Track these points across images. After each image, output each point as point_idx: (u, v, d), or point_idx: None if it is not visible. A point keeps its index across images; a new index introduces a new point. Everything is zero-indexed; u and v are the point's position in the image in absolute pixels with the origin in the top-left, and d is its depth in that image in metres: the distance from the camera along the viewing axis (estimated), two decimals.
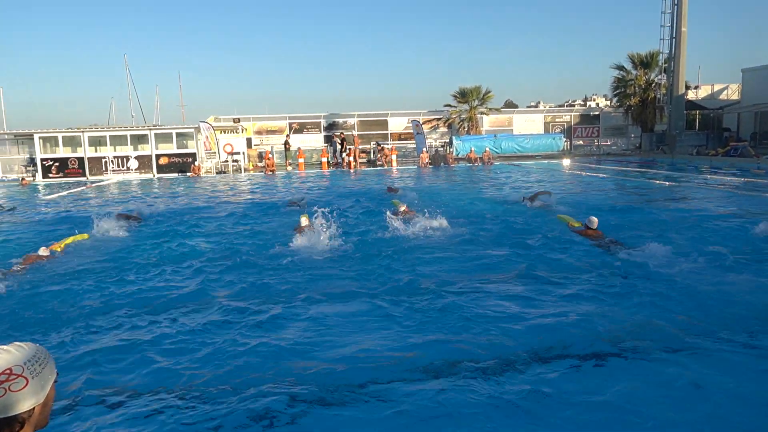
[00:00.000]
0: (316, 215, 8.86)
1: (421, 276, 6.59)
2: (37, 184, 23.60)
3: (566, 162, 27.04)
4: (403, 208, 10.52)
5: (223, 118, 30.05)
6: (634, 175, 19.50)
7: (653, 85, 31.81)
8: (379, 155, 28.83)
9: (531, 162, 27.48)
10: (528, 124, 33.82)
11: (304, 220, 9.57)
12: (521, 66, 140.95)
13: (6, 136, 26.79)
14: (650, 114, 31.73)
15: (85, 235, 9.73)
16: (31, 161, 25.52)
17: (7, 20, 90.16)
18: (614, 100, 34.45)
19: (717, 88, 42.52)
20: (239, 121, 27.76)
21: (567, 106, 61.93)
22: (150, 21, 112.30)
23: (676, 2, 29.37)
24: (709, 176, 18.26)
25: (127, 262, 7.82)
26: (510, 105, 70.26)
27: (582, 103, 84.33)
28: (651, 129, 32.10)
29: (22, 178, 24.25)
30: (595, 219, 8.35)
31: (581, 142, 33.78)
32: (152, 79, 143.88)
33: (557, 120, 34.01)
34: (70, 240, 9.32)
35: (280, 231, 9.97)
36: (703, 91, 43.30)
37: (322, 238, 8.27)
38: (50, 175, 24.97)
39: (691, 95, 47.91)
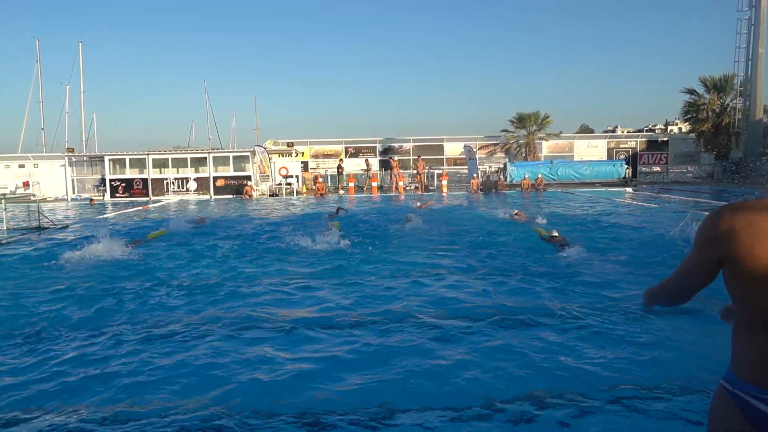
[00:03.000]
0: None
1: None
2: (105, 203, 25.25)
3: (628, 190, 25.83)
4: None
5: (281, 141, 31.03)
6: (687, 205, 18.20)
7: (728, 109, 29.87)
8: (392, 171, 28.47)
9: (588, 189, 26.38)
10: (590, 150, 32.60)
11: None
12: (598, 90, 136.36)
13: (81, 158, 28.95)
14: (724, 140, 29.74)
15: (164, 231, 12.93)
16: (102, 182, 27.38)
17: (100, 50, 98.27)
18: (686, 125, 32.70)
19: None
20: (293, 145, 28.55)
21: (646, 131, 59.25)
22: (229, 48, 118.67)
23: (753, 23, 27.62)
24: None
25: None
26: (586, 130, 68.04)
27: (663, 127, 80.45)
28: (725, 156, 30.04)
29: (91, 199, 26.07)
30: (556, 231, 10.18)
31: (658, 168, 32.08)
32: (231, 103, 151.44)
33: (622, 146, 32.56)
34: (155, 234, 12.36)
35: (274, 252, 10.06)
36: None
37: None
38: (117, 195, 26.70)
39: None
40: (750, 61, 27.72)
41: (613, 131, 72.45)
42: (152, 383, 4.21)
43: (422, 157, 32.23)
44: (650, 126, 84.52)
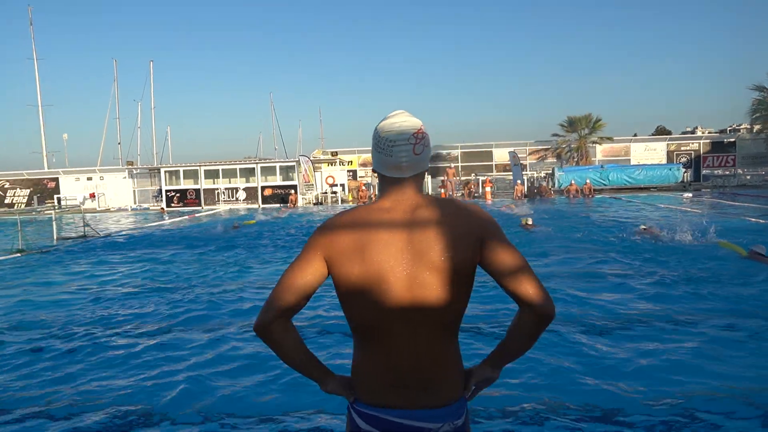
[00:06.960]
0: None
1: None
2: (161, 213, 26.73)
3: (687, 195, 24.39)
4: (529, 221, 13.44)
5: (328, 151, 31.63)
6: (741, 212, 16.92)
7: None
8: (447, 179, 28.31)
9: (642, 195, 25.12)
10: (648, 153, 31.05)
11: None
12: (677, 91, 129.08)
13: (141, 171, 30.78)
14: None
15: (253, 221, 18.38)
16: (159, 192, 28.97)
17: (171, 69, 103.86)
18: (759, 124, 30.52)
19: None
20: (337, 155, 29.02)
21: (730, 131, 55.76)
22: (295, 61, 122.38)
23: None
24: None
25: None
26: (663, 131, 64.82)
27: (749, 126, 75.20)
28: None
29: (162, 208, 27.76)
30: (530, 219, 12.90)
31: (726, 172, 30.11)
32: (297, 113, 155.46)
33: (683, 148, 30.78)
34: (248, 222, 17.78)
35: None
36: None
37: None
38: (172, 204, 28.15)
39: None
40: None
41: (693, 132, 68.58)
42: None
43: (471, 163, 32.04)
44: (734, 126, 79.26)
